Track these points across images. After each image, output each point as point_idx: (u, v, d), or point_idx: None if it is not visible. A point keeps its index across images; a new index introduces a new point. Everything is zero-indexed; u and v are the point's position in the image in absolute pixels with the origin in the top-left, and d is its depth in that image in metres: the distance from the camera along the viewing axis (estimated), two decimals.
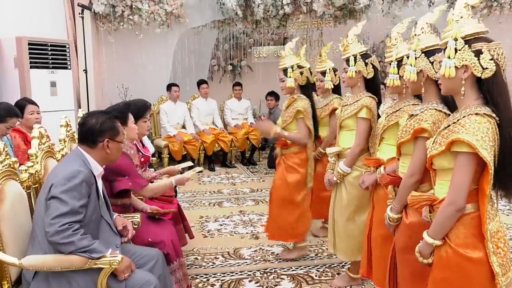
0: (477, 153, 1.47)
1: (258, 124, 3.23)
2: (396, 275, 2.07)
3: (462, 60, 1.54)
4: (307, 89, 3.30)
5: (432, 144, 1.67)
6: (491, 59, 1.52)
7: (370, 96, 2.75)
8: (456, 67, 1.56)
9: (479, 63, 1.52)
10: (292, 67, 3.18)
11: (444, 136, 1.60)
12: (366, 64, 2.74)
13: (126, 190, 2.58)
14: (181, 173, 3.51)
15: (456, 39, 1.56)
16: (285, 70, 3.21)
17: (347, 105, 2.85)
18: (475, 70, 1.53)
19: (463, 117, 1.55)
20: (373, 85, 2.81)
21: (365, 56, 2.75)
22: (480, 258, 1.53)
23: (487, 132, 1.48)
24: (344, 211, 2.85)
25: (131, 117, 2.65)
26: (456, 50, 1.55)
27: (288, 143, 3.28)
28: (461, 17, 1.58)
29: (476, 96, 1.58)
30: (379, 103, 2.81)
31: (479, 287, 1.55)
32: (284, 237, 3.41)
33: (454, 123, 1.58)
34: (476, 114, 1.52)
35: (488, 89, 1.54)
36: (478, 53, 1.53)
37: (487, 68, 1.52)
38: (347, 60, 2.77)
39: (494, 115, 1.53)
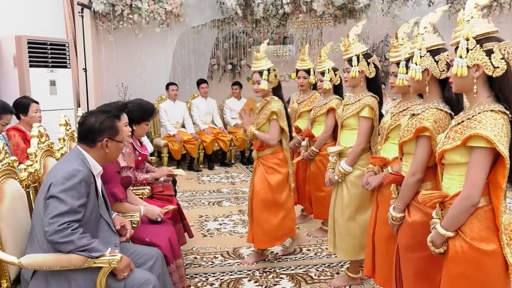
0: (494, 148, 1.51)
1: (244, 116, 3.23)
2: (401, 275, 2.07)
3: (474, 60, 1.58)
4: (279, 90, 3.27)
5: (444, 139, 1.70)
6: (502, 58, 1.55)
7: (372, 96, 2.76)
8: (468, 66, 1.59)
9: (491, 62, 1.56)
10: (268, 70, 3.14)
11: (458, 131, 1.63)
12: (368, 63, 2.75)
13: (113, 195, 2.51)
14: (173, 182, 3.50)
15: (467, 39, 1.59)
16: (260, 72, 3.16)
17: (348, 104, 2.85)
18: (487, 69, 1.57)
19: (478, 113, 1.59)
20: (375, 85, 2.81)
21: (366, 55, 2.76)
22: (494, 250, 1.57)
23: (502, 128, 1.53)
24: (345, 210, 2.85)
25: (124, 119, 2.61)
26: (467, 50, 1.59)
27: (263, 145, 3.23)
28: (472, 17, 1.61)
29: (488, 94, 1.62)
30: (380, 102, 2.82)
31: (494, 278, 1.59)
32: (271, 242, 3.29)
33: (468, 119, 1.61)
34: (492, 110, 1.56)
35: (500, 87, 1.59)
36: (489, 53, 1.56)
37: (498, 67, 1.56)
38: (349, 60, 2.77)
39: (507, 112, 1.57)
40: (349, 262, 3.05)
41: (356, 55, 2.75)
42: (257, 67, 3.18)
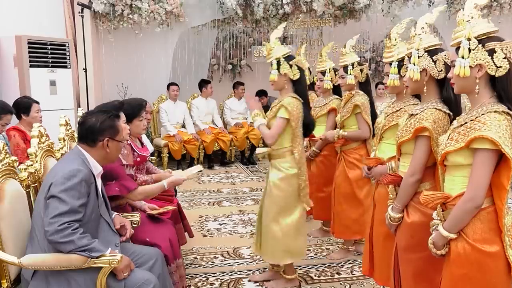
0: (498, 150, 1.50)
1: (327, 134, 3.47)
2: (400, 276, 2.07)
3: (476, 60, 1.58)
4: (366, 85, 3.34)
5: (447, 140, 1.69)
6: (504, 58, 1.55)
7: (292, 97, 2.74)
8: (470, 66, 1.58)
9: (493, 61, 1.56)
10: (352, 64, 3.21)
11: (461, 133, 1.62)
12: (291, 66, 2.72)
13: (126, 187, 2.56)
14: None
15: (469, 39, 1.58)
16: (345, 67, 3.25)
17: (273, 106, 2.84)
18: (489, 69, 1.57)
19: (481, 114, 1.58)
20: (300, 87, 2.79)
21: (288, 58, 2.74)
22: (497, 251, 1.56)
23: (506, 129, 1.52)
24: (268, 212, 2.83)
25: (122, 117, 2.61)
26: (469, 50, 1.58)
27: (348, 141, 3.32)
28: (472, 17, 1.61)
29: (490, 94, 1.62)
30: (307, 103, 2.80)
31: (496, 280, 1.58)
32: (349, 234, 3.38)
33: (472, 120, 1.60)
34: (495, 111, 1.55)
35: (502, 86, 1.58)
36: (491, 52, 1.56)
37: (501, 67, 1.56)
38: (272, 64, 2.75)
39: (511, 112, 1.56)
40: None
41: (276, 58, 2.73)
42: (341, 62, 3.29)
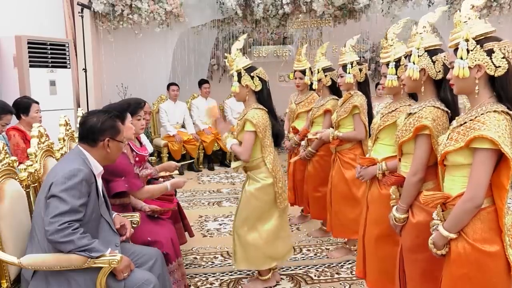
0: (498, 149, 1.51)
1: (322, 134, 3.43)
2: (405, 277, 2.06)
3: (475, 60, 1.58)
4: (365, 86, 3.33)
5: (447, 140, 1.69)
6: (503, 58, 1.55)
7: (255, 108, 2.74)
8: (469, 67, 1.59)
9: (492, 62, 1.56)
10: (351, 63, 3.20)
11: (461, 133, 1.62)
12: (252, 77, 2.72)
13: (135, 185, 2.56)
14: (179, 170, 3.47)
15: (467, 40, 1.58)
16: (344, 66, 3.24)
17: (240, 119, 2.84)
18: (489, 69, 1.57)
19: (481, 114, 1.58)
20: (262, 97, 2.78)
21: (250, 69, 2.73)
22: (497, 251, 1.57)
23: (505, 129, 1.52)
24: (246, 222, 2.82)
25: (129, 117, 2.64)
26: (468, 51, 1.58)
27: (343, 142, 3.31)
28: (469, 18, 1.61)
29: (490, 94, 1.62)
30: (270, 112, 2.79)
31: (496, 279, 1.58)
32: (348, 234, 3.38)
33: (471, 120, 1.60)
34: (495, 111, 1.56)
35: (502, 86, 1.58)
36: (490, 52, 1.56)
37: (500, 67, 1.56)
38: (233, 75, 2.75)
39: (510, 112, 1.57)
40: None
41: (237, 70, 2.72)
42: (340, 61, 3.28)
